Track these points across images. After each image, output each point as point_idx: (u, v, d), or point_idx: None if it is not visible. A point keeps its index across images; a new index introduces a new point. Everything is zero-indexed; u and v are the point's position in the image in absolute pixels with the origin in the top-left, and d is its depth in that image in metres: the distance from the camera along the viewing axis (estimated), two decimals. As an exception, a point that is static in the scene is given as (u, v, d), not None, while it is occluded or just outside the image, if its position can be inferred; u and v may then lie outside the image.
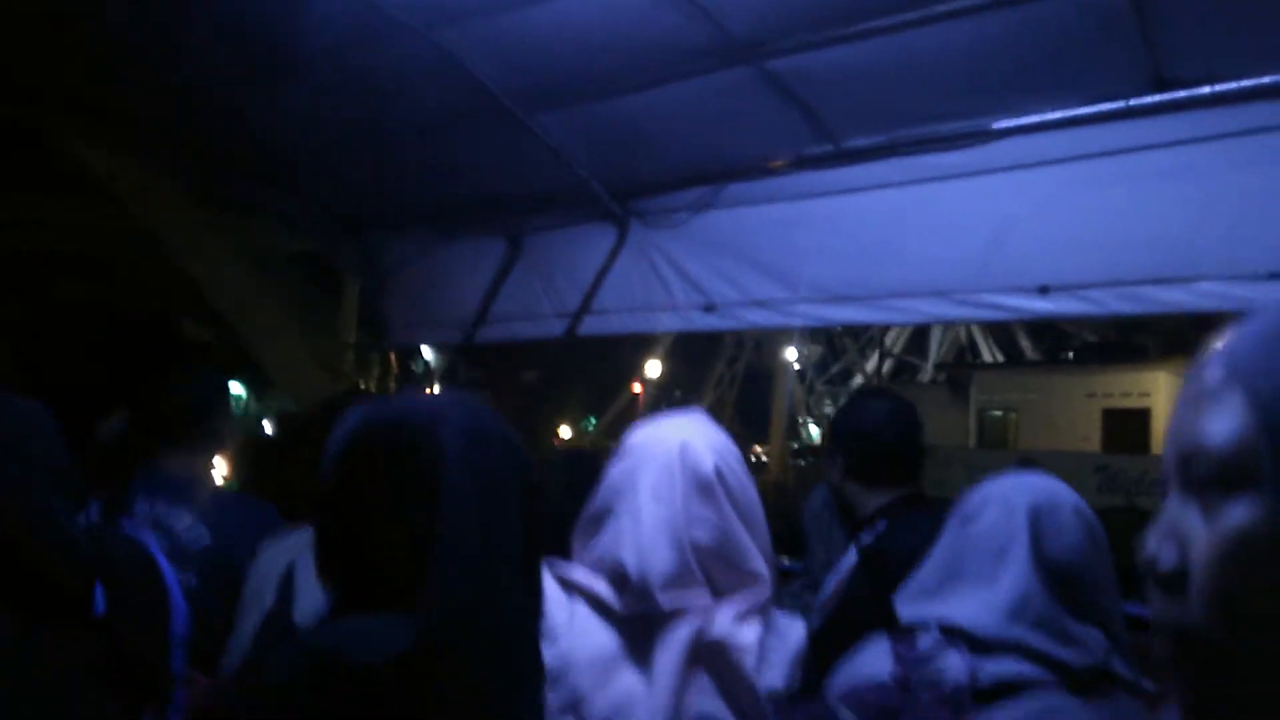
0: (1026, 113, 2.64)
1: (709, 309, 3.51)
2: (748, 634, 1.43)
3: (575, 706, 1.41)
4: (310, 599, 1.54)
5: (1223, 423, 0.55)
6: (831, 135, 2.97)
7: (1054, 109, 2.59)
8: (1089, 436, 19.02)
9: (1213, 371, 0.58)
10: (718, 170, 3.31)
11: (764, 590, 1.50)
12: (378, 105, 3.29)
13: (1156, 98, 2.41)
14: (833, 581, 2.07)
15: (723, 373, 29.36)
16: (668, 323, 3.68)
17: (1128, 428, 18.58)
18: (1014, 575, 1.36)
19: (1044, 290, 2.75)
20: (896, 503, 2.22)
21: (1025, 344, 21.84)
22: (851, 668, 1.47)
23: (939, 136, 2.80)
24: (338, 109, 3.28)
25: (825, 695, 1.39)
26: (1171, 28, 2.22)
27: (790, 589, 2.60)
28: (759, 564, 1.50)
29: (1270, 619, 0.52)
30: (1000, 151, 2.73)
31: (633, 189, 3.58)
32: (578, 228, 3.84)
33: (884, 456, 2.19)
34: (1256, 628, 0.53)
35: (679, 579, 1.44)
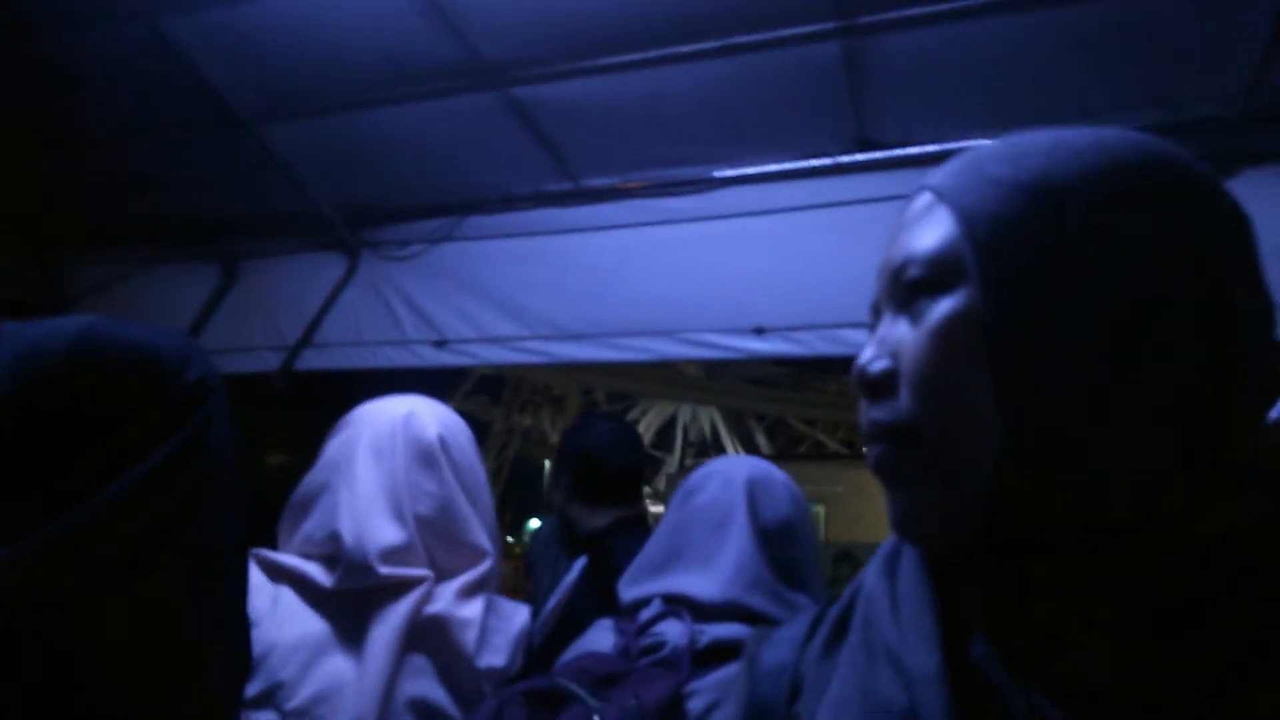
0: (748, 163, 2.84)
1: (440, 344, 3.43)
2: (469, 611, 1.36)
3: (272, 695, 1.26)
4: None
5: (931, 235, 0.61)
6: (571, 172, 3.04)
7: (772, 161, 2.81)
8: None
9: (921, 199, 0.64)
10: (457, 201, 3.27)
11: (486, 566, 1.43)
12: (67, 99, 2.96)
13: (860, 156, 2.67)
14: (555, 596, 2.02)
15: (491, 464, 28.46)
16: (396, 358, 3.53)
17: None
18: (734, 543, 1.39)
19: (759, 331, 2.93)
20: (618, 523, 2.24)
21: (761, 440, 22.78)
22: (576, 648, 1.43)
23: (668, 181, 2.94)
24: (10, 99, 2.92)
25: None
26: (875, 92, 2.49)
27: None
28: (481, 538, 1.44)
29: (968, 403, 0.55)
30: (723, 199, 2.91)
31: (367, 217, 3.46)
32: (303, 256, 3.64)
33: (606, 476, 2.23)
34: (956, 408, 0.56)
35: (399, 550, 1.34)
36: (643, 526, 2.24)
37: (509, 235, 3.26)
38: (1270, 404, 0.60)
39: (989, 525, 0.56)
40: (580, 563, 1.82)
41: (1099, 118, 2.44)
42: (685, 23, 2.37)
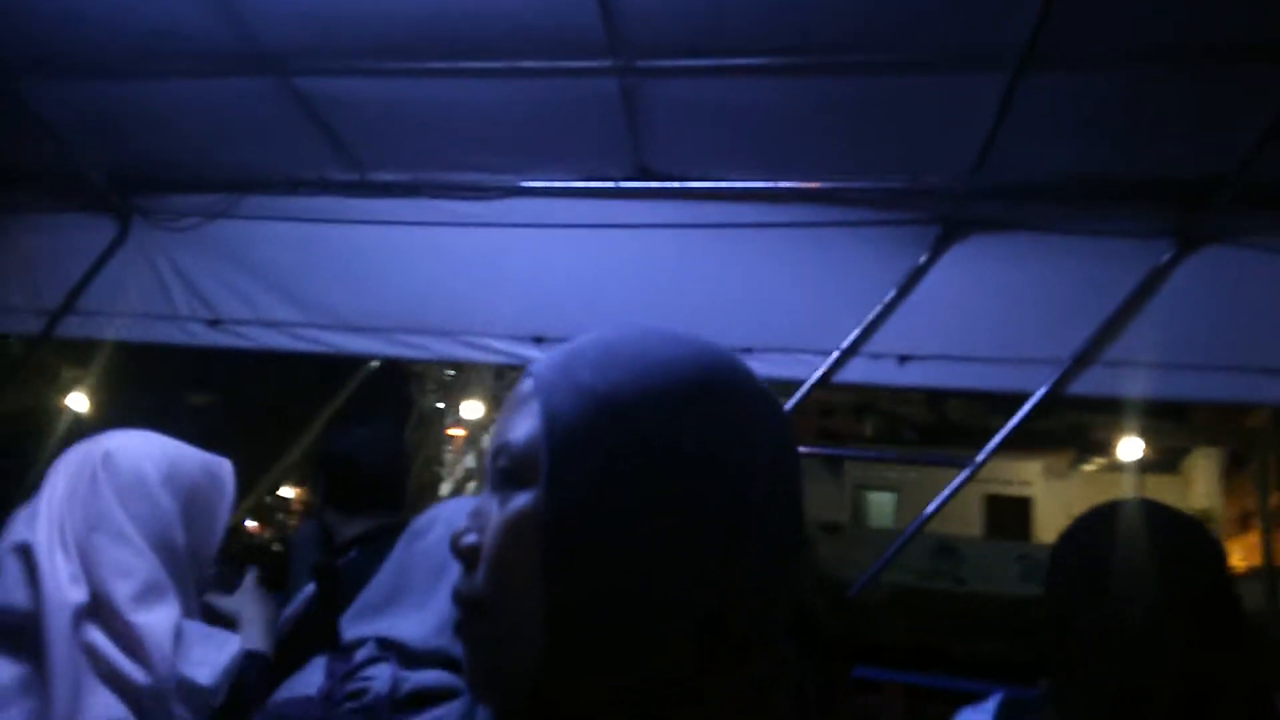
0: (534, 177, 2.90)
1: (214, 324, 3.32)
2: (152, 647, 1.37)
3: None
4: None
5: (521, 428, 0.66)
6: (358, 164, 3.00)
7: (558, 179, 2.88)
8: (969, 521, 18.15)
9: (525, 382, 0.70)
10: (236, 179, 3.16)
11: (147, 575, 1.43)
12: None
13: (639, 184, 2.78)
14: (289, 609, 2.04)
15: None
16: (166, 333, 3.39)
17: (1010, 515, 18.53)
18: (449, 590, 1.46)
19: (539, 340, 3.01)
20: (374, 530, 2.23)
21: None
22: (289, 686, 1.47)
23: (457, 185, 2.96)
24: None
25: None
26: (653, 126, 2.60)
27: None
28: (138, 548, 1.44)
29: (525, 589, 0.64)
30: (509, 208, 2.96)
31: (138, 183, 3.29)
32: (67, 215, 3.42)
33: (361, 482, 2.21)
34: (514, 591, 0.66)
35: (65, 569, 1.34)
36: (400, 533, 2.27)
37: (292, 219, 3.18)
38: (786, 582, 0.72)
39: (540, 690, 0.66)
40: (308, 590, 1.86)
41: (850, 175, 2.66)
42: (473, 40, 2.39)
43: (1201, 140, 2.35)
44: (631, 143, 2.65)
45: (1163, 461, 16.31)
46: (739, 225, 2.81)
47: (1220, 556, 1.26)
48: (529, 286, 3.02)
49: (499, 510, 0.66)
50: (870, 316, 2.77)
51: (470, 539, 0.68)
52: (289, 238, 3.22)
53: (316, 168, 3.04)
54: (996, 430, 2.76)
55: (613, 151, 2.72)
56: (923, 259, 2.72)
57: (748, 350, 2.89)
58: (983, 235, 2.68)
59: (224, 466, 1.62)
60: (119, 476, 1.43)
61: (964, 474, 2.84)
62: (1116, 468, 16.80)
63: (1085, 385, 2.62)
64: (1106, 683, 1.21)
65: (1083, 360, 2.59)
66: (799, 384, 2.89)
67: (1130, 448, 11.17)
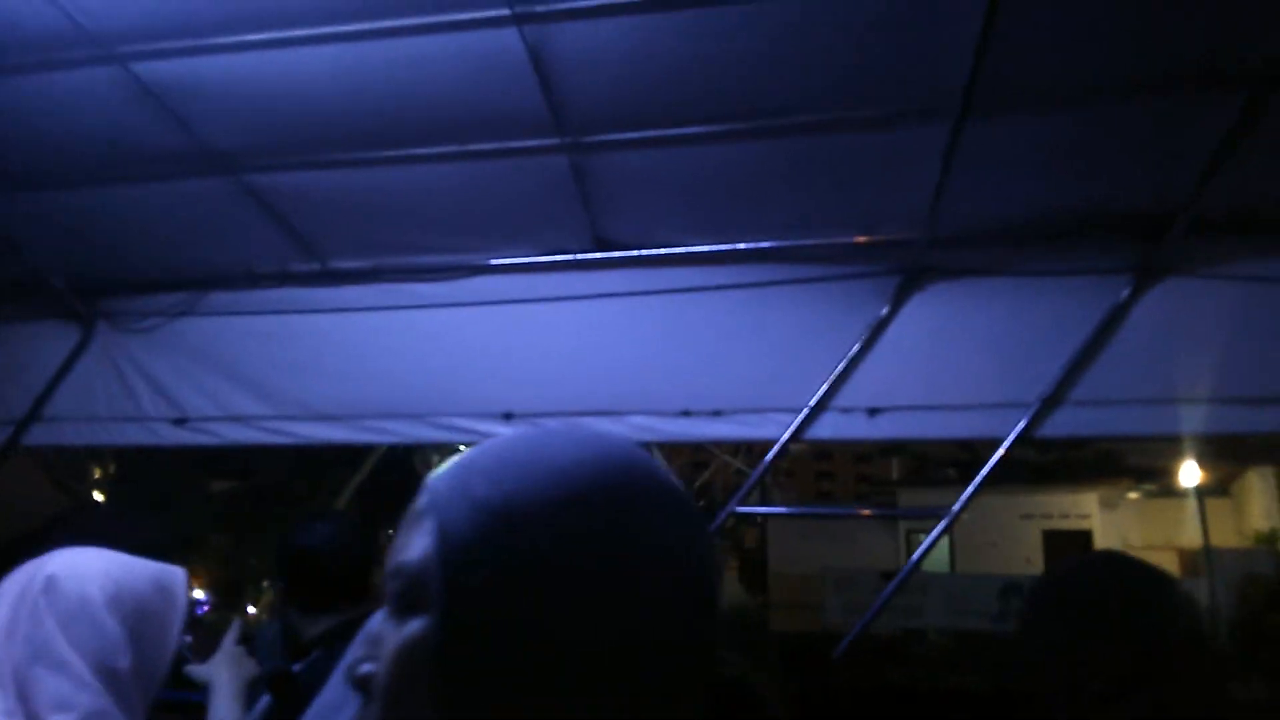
0: (496, 254, 2.91)
1: (180, 422, 3.29)
2: None
3: None
4: None
5: (415, 548, 0.62)
6: (318, 254, 3.01)
7: (520, 254, 2.89)
8: (1031, 558, 17.97)
9: (421, 497, 0.65)
10: (197, 277, 3.17)
11: (96, 706, 1.39)
12: None
13: (597, 255, 2.79)
14: (249, 716, 1.97)
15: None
16: (133, 435, 3.36)
17: (1070, 549, 18.21)
18: None
19: (508, 417, 2.99)
20: (337, 628, 2.17)
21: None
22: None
23: (419, 268, 2.96)
24: None
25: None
26: (606, 198, 2.61)
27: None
28: (75, 677, 1.39)
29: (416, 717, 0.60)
30: (472, 287, 2.96)
31: (100, 287, 3.28)
32: (31, 324, 3.41)
33: (324, 580, 2.14)
34: None
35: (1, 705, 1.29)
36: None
37: (255, 313, 3.18)
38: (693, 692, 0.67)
39: None
40: (263, 702, 1.80)
41: (805, 232, 2.67)
42: (420, 127, 2.41)
43: (1152, 174, 2.38)
44: (587, 215, 2.67)
45: (1215, 486, 16.16)
46: (700, 289, 2.82)
47: (1192, 609, 1.24)
48: (496, 364, 3.01)
49: (393, 637, 0.62)
50: (836, 371, 2.76)
51: (365, 669, 0.64)
52: (252, 331, 3.21)
53: (277, 260, 3.04)
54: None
55: (570, 225, 2.74)
56: (885, 310, 2.73)
57: (717, 413, 2.88)
58: (943, 283, 2.69)
59: (176, 577, 1.58)
60: (61, 601, 1.38)
61: (943, 523, 2.81)
62: (1171, 494, 16.66)
63: (1055, 427, 2.60)
64: None
65: (1051, 401, 2.58)
66: (772, 443, 2.88)
67: (1187, 473, 10.99)
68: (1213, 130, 2.16)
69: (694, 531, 0.64)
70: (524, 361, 2.99)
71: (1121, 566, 1.27)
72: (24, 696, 1.32)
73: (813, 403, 2.78)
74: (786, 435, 2.80)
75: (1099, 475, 17.89)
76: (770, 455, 2.87)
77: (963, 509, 2.71)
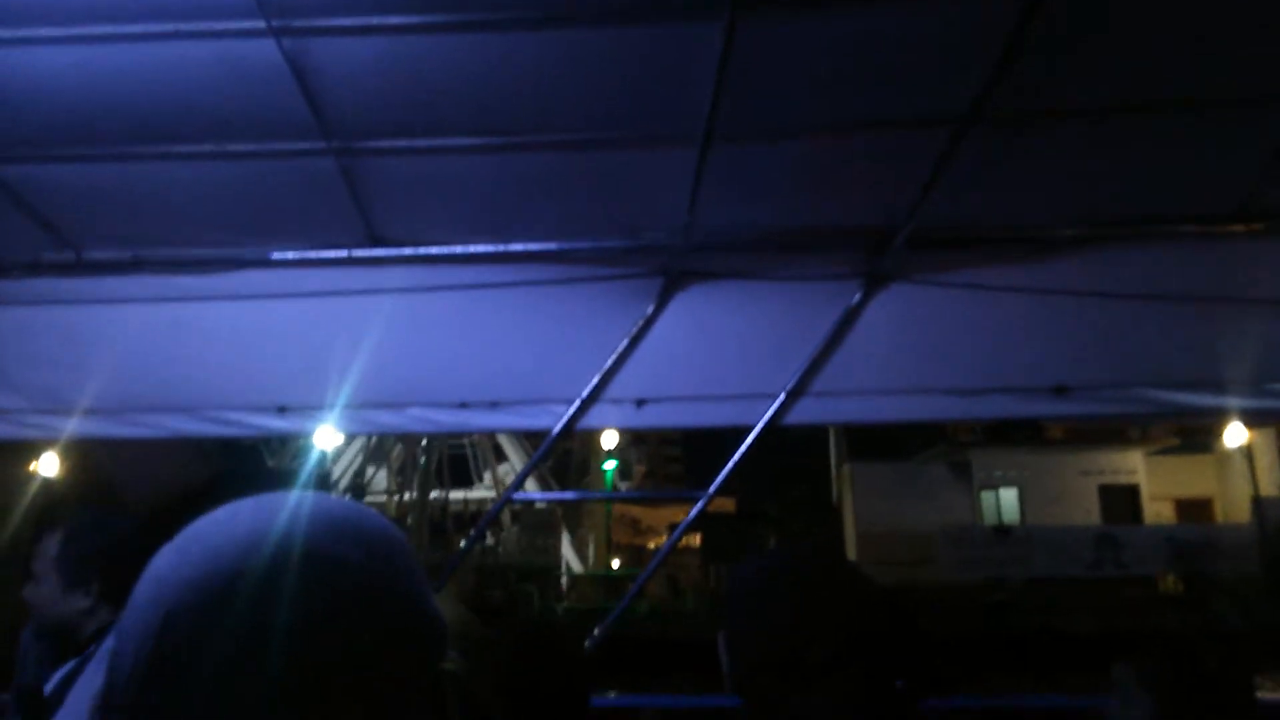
0: (268, 249, 2.87)
1: (-76, 418, 3.08)
2: None
3: None
4: None
5: None
6: (72, 245, 2.87)
7: (292, 249, 2.87)
8: (1090, 510, 20.28)
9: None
10: (-64, 265, 2.95)
11: None
12: None
13: (373, 251, 2.82)
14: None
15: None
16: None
17: (1121, 502, 20.30)
18: None
19: (282, 410, 2.99)
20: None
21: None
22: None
23: (182, 260, 2.89)
24: None
25: None
26: (378, 198, 2.64)
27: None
28: None
29: None
30: (244, 281, 2.91)
31: None
32: None
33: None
34: None
35: None
36: None
37: (5, 303, 3.00)
38: None
39: None
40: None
41: (575, 236, 2.80)
42: (178, 125, 2.35)
43: (878, 195, 2.65)
44: (360, 214, 2.69)
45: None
46: (476, 286, 2.91)
47: (885, 604, 1.45)
48: (270, 358, 2.99)
49: None
50: (607, 365, 2.93)
51: None
52: (3, 323, 3.03)
53: (28, 250, 2.88)
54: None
55: (343, 222, 2.74)
56: (649, 309, 2.92)
57: (495, 404, 3.00)
58: (701, 285, 2.90)
59: None
60: None
61: (697, 507, 3.06)
62: (1205, 450, 19.26)
63: (800, 415, 2.88)
64: (780, 716, 1.35)
65: (795, 393, 2.86)
66: (547, 433, 3.02)
67: (1232, 434, 12.08)
68: (927, 159, 2.44)
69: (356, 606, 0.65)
70: (300, 356, 2.99)
71: (828, 559, 1.47)
72: None
73: (585, 394, 2.94)
74: (560, 425, 2.95)
75: (1143, 435, 20.33)
76: (544, 447, 3.01)
77: (714, 493, 2.96)
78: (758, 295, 2.88)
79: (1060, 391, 2.84)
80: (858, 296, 2.85)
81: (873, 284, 2.84)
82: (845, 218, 2.75)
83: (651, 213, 2.74)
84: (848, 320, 2.86)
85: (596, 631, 2.86)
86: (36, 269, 2.92)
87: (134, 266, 2.91)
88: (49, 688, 1.88)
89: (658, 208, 2.69)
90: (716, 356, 2.91)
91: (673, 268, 2.86)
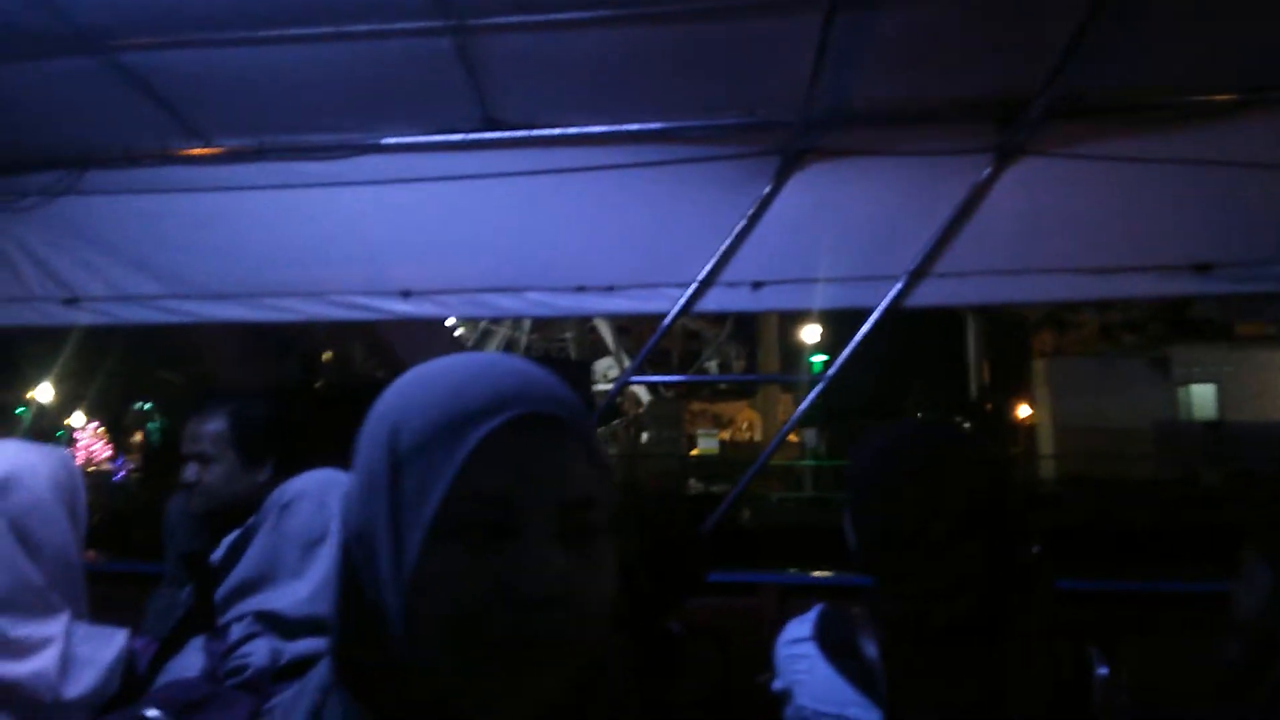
0: (386, 134, 2.89)
1: (71, 302, 3.26)
2: (37, 660, 1.44)
3: None
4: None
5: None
6: (200, 133, 2.94)
7: (409, 134, 2.88)
8: None
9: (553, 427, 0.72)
10: (74, 156, 3.07)
11: (55, 607, 1.50)
12: None
13: (489, 135, 2.81)
14: (185, 593, 2.10)
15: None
16: (21, 316, 3.31)
17: None
18: (324, 562, 1.55)
19: (406, 294, 3.06)
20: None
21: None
22: (170, 670, 1.55)
23: (305, 146, 2.93)
24: None
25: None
26: (494, 80, 2.62)
27: (155, 597, 2.56)
28: (47, 582, 1.50)
29: None
30: (363, 167, 2.95)
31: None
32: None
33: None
34: None
35: None
36: None
37: (139, 191, 3.11)
38: None
39: None
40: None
41: (691, 114, 2.74)
42: (298, 7, 2.36)
43: (1010, 62, 2.50)
44: (475, 96, 2.67)
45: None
46: (591, 169, 2.88)
47: (1005, 475, 1.42)
48: (391, 243, 3.05)
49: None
50: (723, 247, 2.90)
51: None
52: (137, 210, 3.16)
53: (159, 139, 2.97)
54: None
55: (459, 105, 2.73)
56: (767, 189, 2.85)
57: (610, 288, 3.01)
58: (820, 163, 2.81)
59: (70, 457, 1.68)
60: (11, 497, 1.46)
61: (815, 390, 3.03)
62: None
63: (924, 297, 2.80)
64: (907, 588, 1.36)
65: (919, 274, 2.78)
66: (663, 315, 3.02)
67: None
68: (1065, 22, 2.28)
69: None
70: (419, 240, 3.03)
71: (950, 431, 1.45)
72: None
73: (700, 277, 2.92)
74: (676, 309, 2.95)
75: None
76: (662, 328, 3.02)
77: (834, 373, 2.93)
78: (880, 172, 2.78)
79: (1201, 269, 2.69)
80: (987, 171, 2.73)
81: (1003, 157, 2.71)
82: (975, 88, 2.61)
83: (769, 88, 2.64)
84: (976, 196, 2.74)
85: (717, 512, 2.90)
86: (166, 158, 3.01)
87: (258, 154, 2.97)
88: (217, 555, 2.01)
89: (776, 83, 2.60)
90: (836, 237, 2.84)
91: (791, 145, 2.78)
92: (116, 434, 24.23)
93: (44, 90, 2.77)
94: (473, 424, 0.67)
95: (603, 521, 0.69)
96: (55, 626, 1.50)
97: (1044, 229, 2.77)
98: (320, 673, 0.86)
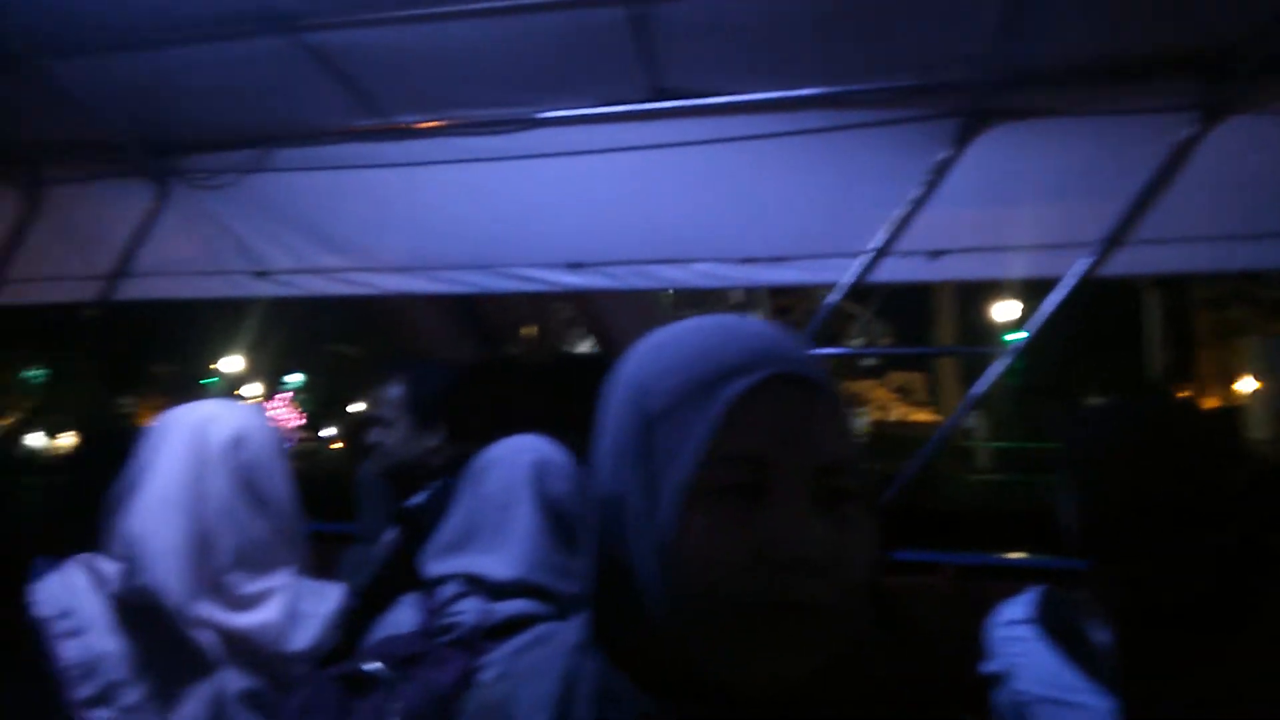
0: (555, 107, 2.92)
1: (261, 275, 3.45)
2: (265, 612, 1.52)
3: (107, 695, 1.42)
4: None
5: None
6: (381, 110, 3.04)
7: (578, 106, 2.90)
8: None
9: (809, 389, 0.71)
10: (264, 134, 3.23)
11: (280, 561, 1.58)
12: None
13: (658, 105, 2.80)
14: (378, 548, 2.20)
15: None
16: (215, 288, 3.54)
17: None
18: (522, 523, 1.58)
19: (575, 266, 3.09)
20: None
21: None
22: (384, 624, 1.62)
23: (483, 121, 2.98)
24: None
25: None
26: (665, 48, 2.59)
27: (349, 553, 2.70)
28: (273, 538, 1.58)
29: None
30: (533, 140, 2.98)
31: (170, 147, 3.36)
32: (106, 183, 3.53)
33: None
34: None
35: (177, 553, 1.48)
36: None
37: (323, 168, 3.25)
38: None
39: None
40: (390, 534, 2.01)
41: (865, 77, 2.64)
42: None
43: (1220, 9, 2.30)
44: (644, 65, 2.66)
45: None
46: (759, 137, 2.83)
47: (1243, 450, 1.32)
48: (558, 216, 3.08)
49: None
50: (899, 215, 2.80)
51: None
52: (321, 186, 3.30)
53: (341, 117, 3.08)
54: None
55: (627, 75, 2.72)
56: (946, 154, 2.73)
57: (780, 259, 2.96)
58: (1004, 125, 2.67)
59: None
60: (242, 454, 1.56)
61: (1005, 359, 2.88)
62: None
63: (1118, 266, 2.63)
64: (1142, 570, 1.27)
65: (1114, 241, 2.61)
66: (833, 287, 2.95)
67: None
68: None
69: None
70: (586, 213, 3.06)
71: (1179, 405, 1.36)
72: (206, 541, 1.52)
73: (874, 247, 2.83)
74: (849, 280, 2.87)
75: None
76: (832, 299, 2.95)
77: (1025, 344, 2.79)
78: (1071, 134, 2.61)
79: None
80: (1190, 131, 2.52)
81: (1211, 116, 2.50)
82: (1179, 40, 2.41)
83: (950, 47, 2.51)
84: (1178, 158, 2.54)
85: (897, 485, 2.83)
86: (348, 135, 3.13)
87: (435, 130, 3.05)
88: (415, 502, 2.10)
89: (956, 41, 2.47)
90: (1022, 203, 2.70)
91: (973, 107, 2.64)
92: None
93: (235, 71, 2.91)
94: (725, 383, 0.65)
95: (856, 487, 0.66)
96: (280, 579, 1.59)
97: (1253, 192, 2.55)
98: (567, 634, 0.86)
